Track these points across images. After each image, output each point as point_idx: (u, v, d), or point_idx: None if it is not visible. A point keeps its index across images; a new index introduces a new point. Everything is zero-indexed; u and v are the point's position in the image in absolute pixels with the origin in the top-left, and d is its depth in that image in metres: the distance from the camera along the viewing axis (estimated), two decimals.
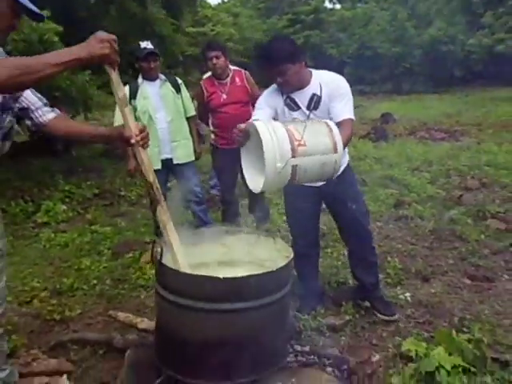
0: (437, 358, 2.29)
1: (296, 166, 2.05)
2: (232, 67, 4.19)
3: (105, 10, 7.68)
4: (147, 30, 7.98)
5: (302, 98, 2.62)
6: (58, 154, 8.71)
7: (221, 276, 1.85)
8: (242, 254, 2.33)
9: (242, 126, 2.19)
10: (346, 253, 3.24)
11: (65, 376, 2.42)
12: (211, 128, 4.32)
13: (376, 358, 2.46)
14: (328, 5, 40.14)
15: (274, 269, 1.94)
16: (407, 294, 3.26)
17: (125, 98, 1.81)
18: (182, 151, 4.07)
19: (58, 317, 3.10)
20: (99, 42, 1.54)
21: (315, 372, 2.21)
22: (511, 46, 25.34)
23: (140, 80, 3.96)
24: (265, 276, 1.91)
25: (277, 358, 2.06)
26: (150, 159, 4.05)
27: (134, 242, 4.47)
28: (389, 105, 18.69)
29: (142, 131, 1.81)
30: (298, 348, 2.36)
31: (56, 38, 5.23)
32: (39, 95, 1.85)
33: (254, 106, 4.10)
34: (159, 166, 3.95)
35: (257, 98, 4.16)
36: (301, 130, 2.08)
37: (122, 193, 6.51)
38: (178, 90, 4.06)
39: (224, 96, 4.08)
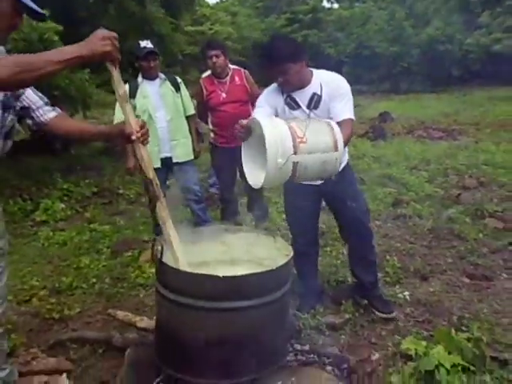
0: (436, 357, 2.29)
1: (297, 162, 2.05)
2: (231, 66, 4.19)
3: (104, 9, 7.68)
4: (146, 29, 7.98)
5: (303, 97, 2.63)
6: (56, 153, 8.69)
7: (221, 275, 1.85)
8: (241, 253, 2.33)
9: (244, 121, 2.20)
10: (346, 251, 3.24)
11: (64, 375, 2.42)
12: (210, 127, 4.32)
13: (376, 356, 2.46)
14: (326, 4, 40.16)
15: (274, 267, 1.94)
16: (406, 293, 3.26)
17: (125, 94, 1.82)
18: (182, 150, 4.07)
19: (57, 315, 3.10)
20: (101, 40, 1.54)
21: (315, 371, 2.21)
22: (509, 46, 25.38)
23: (140, 79, 3.96)
24: (265, 274, 1.91)
25: (277, 357, 2.06)
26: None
27: (133, 241, 4.47)
28: (387, 104, 18.70)
29: (142, 127, 1.82)
30: (298, 347, 2.36)
31: (56, 37, 5.24)
32: (40, 94, 1.84)
33: (253, 105, 4.13)
34: (159, 165, 3.96)
35: (256, 97, 4.17)
36: (303, 128, 2.09)
37: (121, 191, 6.51)
38: (177, 88, 4.06)
39: (223, 95, 4.08)
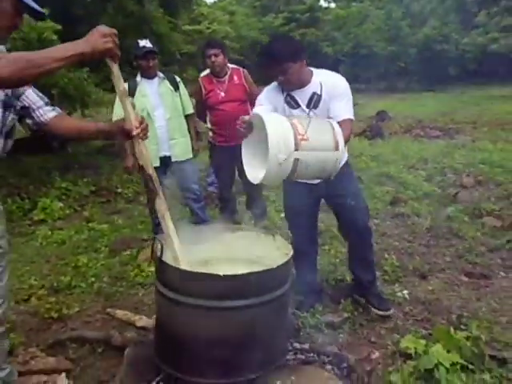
0: (436, 356, 2.30)
1: (298, 159, 2.06)
2: (230, 65, 4.19)
3: (102, 8, 7.67)
4: (144, 28, 7.98)
5: (303, 96, 2.64)
6: (53, 151, 8.68)
7: (221, 273, 1.85)
8: (241, 252, 2.33)
9: (246, 117, 2.21)
10: (345, 250, 3.25)
11: (63, 374, 2.41)
12: (209, 126, 4.32)
13: (375, 355, 2.47)
14: (323, 3, 40.22)
15: (275, 266, 1.94)
16: (405, 292, 3.26)
17: (125, 90, 1.84)
18: (181, 149, 4.07)
19: (56, 315, 3.09)
20: (102, 37, 1.54)
21: (315, 370, 2.22)
22: (505, 45, 25.50)
23: (138, 78, 3.95)
24: (265, 273, 1.91)
25: (276, 356, 2.07)
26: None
27: (132, 240, 4.47)
28: (384, 103, 18.75)
29: (141, 123, 1.83)
30: (298, 346, 2.36)
31: (55, 37, 5.25)
32: (40, 94, 1.84)
33: (251, 105, 4.13)
34: (157, 164, 3.95)
35: (255, 97, 4.18)
36: (305, 125, 2.11)
37: (119, 190, 6.50)
38: (176, 87, 4.06)
39: (222, 94, 4.08)
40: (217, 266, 2.21)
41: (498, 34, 26.33)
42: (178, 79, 4.13)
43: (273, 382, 2.00)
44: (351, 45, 30.55)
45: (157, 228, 4.26)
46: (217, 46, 4.04)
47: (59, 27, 5.29)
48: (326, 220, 4.17)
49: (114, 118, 3.72)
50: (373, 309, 2.99)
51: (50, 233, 4.86)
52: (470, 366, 2.30)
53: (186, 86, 4.25)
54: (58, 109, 1.87)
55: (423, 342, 2.46)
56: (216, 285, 1.85)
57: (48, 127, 1.81)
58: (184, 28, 18.11)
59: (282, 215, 4.64)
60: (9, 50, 1.75)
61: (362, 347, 2.63)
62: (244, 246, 2.33)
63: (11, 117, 1.72)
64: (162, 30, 8.91)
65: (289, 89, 2.65)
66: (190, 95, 4.35)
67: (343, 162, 2.71)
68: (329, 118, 2.49)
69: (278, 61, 2.52)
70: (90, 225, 5.08)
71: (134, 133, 1.80)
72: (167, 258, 1.94)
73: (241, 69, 4.24)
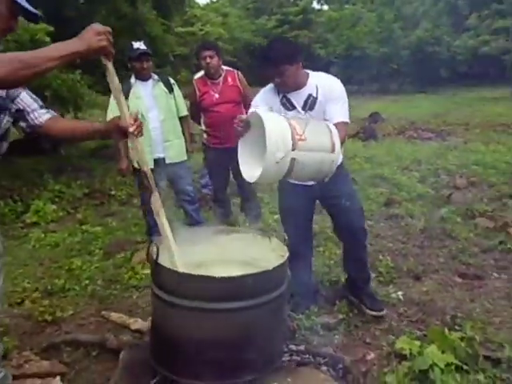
0: (430, 356, 2.30)
1: (294, 159, 2.08)
2: (224, 67, 4.19)
3: (94, 9, 7.65)
4: (137, 30, 7.98)
5: (298, 98, 2.65)
6: (46, 153, 8.62)
7: (217, 275, 1.85)
8: (237, 254, 2.33)
9: (244, 116, 2.23)
10: (339, 251, 3.25)
11: (58, 378, 2.39)
12: (203, 127, 4.31)
13: (371, 356, 2.47)
14: (316, 6, 40.40)
15: (270, 268, 1.95)
16: (399, 293, 3.27)
17: (120, 87, 1.83)
18: (175, 151, 4.06)
19: (50, 318, 3.06)
20: (96, 35, 1.53)
21: (310, 371, 2.22)
22: (496, 48, 25.71)
23: (132, 80, 3.94)
24: (261, 275, 1.92)
25: (272, 358, 2.07)
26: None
27: (126, 242, 4.45)
28: (377, 104, 18.83)
29: (135, 120, 1.83)
30: (293, 347, 2.36)
31: (47, 38, 5.23)
32: (35, 97, 1.83)
33: (245, 107, 4.14)
34: (151, 166, 3.94)
35: (249, 99, 4.20)
36: (302, 126, 2.13)
37: (113, 192, 6.47)
38: (170, 89, 4.06)
39: (216, 95, 4.08)
40: (212, 268, 2.21)
41: (489, 36, 26.56)
42: (172, 81, 4.13)
43: (269, 383, 2.00)
44: (344, 47, 30.65)
45: (151, 230, 4.26)
46: (211, 48, 4.05)
47: (52, 29, 5.26)
48: (321, 222, 4.18)
49: (109, 115, 3.70)
50: (365, 309, 3.00)
51: (43, 235, 4.83)
52: (465, 367, 2.31)
53: (179, 88, 4.25)
54: (52, 111, 1.87)
55: (418, 342, 2.46)
56: (212, 287, 1.86)
57: (42, 129, 1.80)
58: (177, 30, 18.13)
59: (276, 217, 4.64)
60: (3, 51, 1.74)
61: (357, 348, 2.63)
62: (239, 248, 2.34)
63: (6, 119, 1.71)
64: (155, 32, 8.92)
65: (285, 91, 2.67)
66: (184, 97, 4.35)
67: (338, 164, 2.73)
68: (324, 120, 2.51)
69: (274, 63, 2.53)
70: (84, 227, 5.05)
71: (130, 130, 1.80)
72: (163, 261, 1.94)
73: (235, 71, 4.25)
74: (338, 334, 2.77)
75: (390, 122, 13.25)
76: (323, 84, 2.65)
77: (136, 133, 1.84)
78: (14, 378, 2.27)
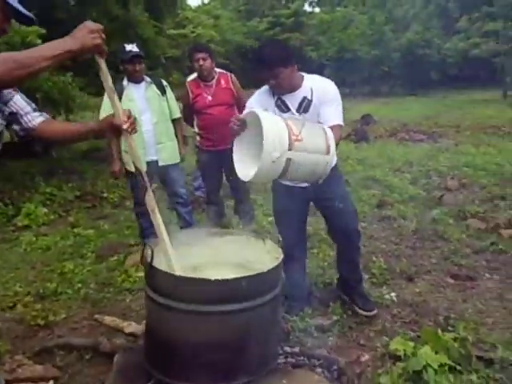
0: (424, 357, 2.31)
1: (290, 159, 2.09)
2: (217, 70, 4.19)
3: (86, 11, 7.62)
4: (129, 33, 7.97)
5: (293, 100, 2.66)
6: (37, 156, 8.57)
7: (212, 278, 1.85)
8: (231, 256, 2.32)
9: (241, 116, 2.26)
10: (333, 253, 3.26)
11: (51, 382, 2.39)
12: (196, 130, 4.31)
13: (365, 357, 2.48)
14: (307, 8, 40.53)
15: (265, 270, 1.95)
16: (393, 294, 3.29)
17: (112, 85, 1.84)
18: (168, 153, 4.06)
19: (42, 322, 3.04)
20: (90, 33, 1.53)
21: (305, 373, 2.22)
22: (486, 50, 25.93)
23: (125, 82, 3.93)
24: (256, 277, 1.92)
25: (267, 360, 2.07)
26: None
27: (118, 245, 4.43)
28: (368, 106, 18.92)
29: (129, 117, 1.83)
30: (288, 349, 2.37)
31: (39, 41, 5.21)
32: (28, 100, 1.82)
33: (239, 109, 4.15)
34: (144, 169, 3.93)
35: (242, 101, 4.20)
36: (299, 127, 2.15)
37: (105, 195, 6.44)
38: (163, 92, 4.06)
39: (209, 98, 4.07)
40: (206, 271, 2.21)
41: (480, 39, 26.78)
42: (164, 83, 4.13)
43: None
44: (335, 49, 30.77)
45: (144, 233, 4.25)
46: (204, 50, 4.05)
47: (43, 31, 5.24)
48: (314, 223, 4.19)
49: (102, 115, 3.69)
50: (357, 308, 3.02)
51: (34, 239, 4.79)
52: (458, 367, 2.33)
53: (172, 90, 4.25)
54: (45, 114, 1.86)
55: (412, 343, 2.47)
56: (207, 290, 1.85)
57: (36, 132, 1.79)
58: (169, 32, 18.10)
59: (270, 219, 4.65)
60: None
61: (351, 350, 2.64)
62: (234, 250, 2.33)
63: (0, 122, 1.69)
64: (147, 34, 8.92)
65: (280, 93, 2.68)
66: (177, 99, 4.35)
67: (332, 165, 2.74)
68: (318, 122, 2.52)
69: (269, 66, 2.55)
70: (76, 230, 5.02)
71: (124, 127, 1.80)
72: (158, 263, 1.93)
73: (228, 73, 4.25)
74: (332, 335, 2.77)
75: (381, 124, 13.33)
76: (318, 87, 2.66)
77: (130, 130, 1.84)
78: (7, 382, 2.26)
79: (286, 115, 2.65)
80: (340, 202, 2.81)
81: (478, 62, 26.61)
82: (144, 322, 2.60)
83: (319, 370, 2.27)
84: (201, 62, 3.97)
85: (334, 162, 2.47)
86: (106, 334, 2.86)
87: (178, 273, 1.94)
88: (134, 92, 3.91)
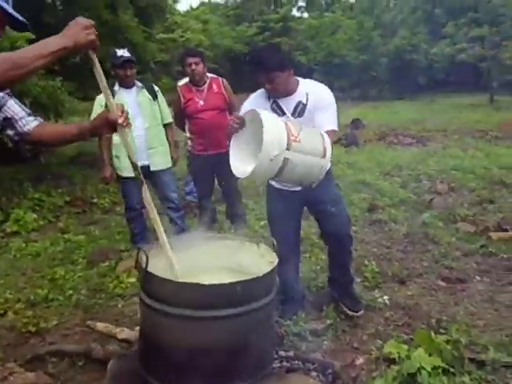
0: (418, 360, 2.33)
1: (287, 159, 2.13)
2: (209, 75, 4.19)
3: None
4: (119, 38, 7.92)
5: (288, 104, 2.69)
6: (25, 161, 8.48)
7: (207, 283, 1.84)
8: (226, 261, 2.32)
9: (240, 114, 2.32)
10: (325, 256, 3.28)
11: None
12: (188, 134, 4.30)
13: (360, 361, 2.49)
14: (296, 13, 40.74)
15: (261, 275, 1.95)
16: (385, 297, 3.30)
17: (105, 81, 1.84)
18: (160, 158, 4.05)
19: (34, 329, 3.01)
20: (84, 29, 1.52)
21: (300, 377, 2.23)
22: (472, 56, 26.25)
23: (116, 87, 3.92)
24: (251, 282, 1.92)
25: (263, 364, 2.06)
26: (127, 167, 4.02)
27: (110, 251, 4.40)
28: (357, 111, 18.99)
29: (123, 112, 1.83)
30: (283, 353, 2.37)
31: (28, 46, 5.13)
32: (22, 105, 1.81)
33: (231, 114, 4.15)
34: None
35: (235, 106, 4.22)
36: (297, 129, 2.20)
37: (95, 200, 6.39)
38: (154, 96, 4.06)
39: (201, 102, 4.07)
40: (201, 276, 2.19)
41: (466, 44, 27.12)
42: (156, 88, 4.13)
43: None
44: (324, 54, 30.91)
45: (136, 238, 4.23)
46: (196, 55, 4.05)
47: (33, 36, 5.19)
48: (306, 227, 4.20)
49: (93, 115, 3.68)
50: (345, 308, 3.06)
51: (24, 245, 4.74)
52: (451, 369, 2.34)
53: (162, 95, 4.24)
54: (39, 118, 1.85)
55: (405, 346, 2.49)
56: (203, 295, 1.85)
57: (30, 137, 1.78)
58: (158, 36, 18.07)
59: (262, 223, 4.66)
60: None
61: (345, 353, 2.65)
62: (228, 255, 2.33)
63: None
64: (136, 40, 8.88)
65: (275, 96, 2.71)
66: (168, 104, 4.34)
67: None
68: (313, 127, 2.54)
69: (266, 70, 2.57)
70: (66, 236, 4.98)
71: (120, 121, 1.80)
72: (153, 268, 1.92)
73: (220, 78, 4.25)
74: (326, 339, 2.78)
75: (370, 128, 13.41)
76: (313, 92, 2.70)
77: (124, 124, 1.85)
78: None
79: (281, 119, 2.67)
80: (332, 206, 2.82)
81: (464, 66, 26.91)
82: (137, 327, 2.59)
83: (314, 373, 2.27)
84: (193, 67, 3.97)
85: (328, 166, 2.49)
86: (99, 340, 2.84)
87: (173, 277, 1.93)
88: (125, 97, 3.90)
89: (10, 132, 1.75)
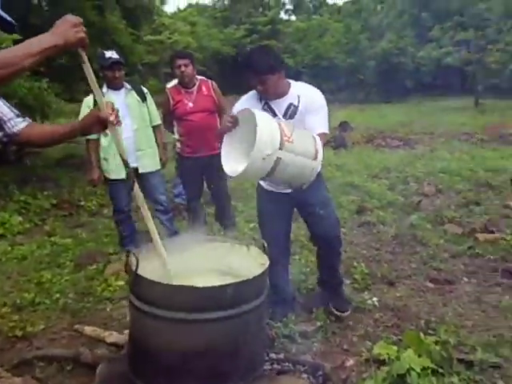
0: (407, 361, 2.34)
1: (280, 159, 2.14)
2: (198, 77, 4.18)
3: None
4: (106, 39, 7.89)
5: (279, 106, 2.70)
6: (10, 164, 8.38)
7: (198, 285, 1.84)
8: (216, 263, 2.31)
9: (234, 112, 2.35)
10: (315, 258, 3.28)
11: None
12: (177, 136, 4.28)
13: (350, 362, 2.49)
14: (284, 16, 40.97)
15: (251, 277, 1.94)
16: (374, 299, 3.31)
17: (95, 79, 1.83)
18: (149, 160, 4.03)
19: (20, 333, 2.96)
20: (73, 27, 1.50)
21: (291, 379, 2.23)
22: (458, 59, 26.59)
23: (104, 89, 3.90)
24: (242, 284, 1.91)
25: (254, 366, 2.06)
26: (115, 169, 3.99)
27: (97, 254, 4.35)
28: (345, 113, 19.09)
29: (113, 109, 1.82)
30: (273, 356, 2.37)
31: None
32: (11, 106, 1.79)
33: (220, 116, 4.15)
34: (123, 176, 3.89)
35: (223, 108, 4.21)
36: (290, 129, 2.22)
37: (82, 203, 6.32)
38: (143, 98, 4.04)
39: (190, 104, 4.06)
40: (192, 278, 2.18)
41: (452, 48, 27.47)
42: (145, 90, 4.11)
43: None
44: (311, 57, 31.09)
45: (124, 241, 4.20)
46: (186, 57, 4.03)
47: (20, 37, 5.13)
48: (296, 229, 4.19)
49: (81, 116, 3.65)
50: (332, 308, 3.07)
51: (9, 248, 4.67)
52: (440, 370, 2.36)
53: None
54: (28, 119, 1.83)
55: (395, 347, 2.50)
56: (193, 297, 1.84)
57: (19, 137, 1.76)
58: (145, 38, 18.02)
59: (252, 225, 4.65)
60: None
61: (335, 355, 2.65)
62: (219, 257, 2.33)
63: None
64: (124, 42, 8.85)
65: (267, 98, 2.71)
66: (156, 106, 4.32)
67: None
68: (304, 129, 2.55)
69: (257, 72, 2.58)
70: (53, 239, 4.91)
71: (111, 119, 1.79)
72: (143, 271, 1.90)
73: (209, 81, 4.24)
74: (316, 341, 2.78)
75: (358, 130, 13.48)
76: (305, 95, 2.70)
77: (115, 122, 1.84)
78: None
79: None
80: (321, 209, 2.83)
81: (450, 70, 27.22)
82: (126, 331, 2.57)
83: (305, 375, 2.27)
84: (182, 69, 3.96)
85: (319, 169, 2.49)
86: (87, 344, 2.80)
87: (166, 275, 1.93)
88: (113, 99, 3.85)
89: None
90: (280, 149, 2.13)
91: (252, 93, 2.77)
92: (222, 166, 2.38)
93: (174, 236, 3.59)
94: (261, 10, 38.63)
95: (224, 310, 1.86)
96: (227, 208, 4.44)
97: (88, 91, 4.21)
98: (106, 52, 3.83)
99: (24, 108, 5.90)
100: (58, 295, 3.56)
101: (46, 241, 4.89)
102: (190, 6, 41.32)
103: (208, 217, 4.74)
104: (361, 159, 8.84)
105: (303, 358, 2.45)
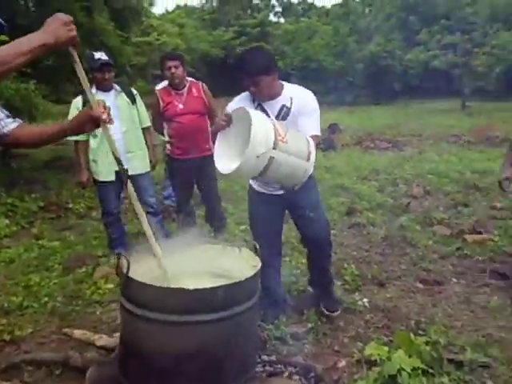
0: (398, 361, 2.35)
1: (273, 158, 2.16)
2: (188, 79, 4.17)
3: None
4: (94, 41, 7.83)
5: (272, 107, 2.70)
6: None
7: (190, 287, 1.83)
8: (208, 265, 2.31)
9: (229, 111, 2.36)
10: (305, 260, 3.29)
11: None
12: (166, 138, 4.26)
13: (342, 364, 2.50)
14: (273, 18, 41.07)
15: (243, 279, 1.94)
16: (365, 300, 3.33)
17: (87, 79, 1.84)
18: (138, 162, 4.01)
19: (8, 337, 2.92)
20: (63, 25, 1.49)
21: (283, 381, 2.23)
22: (445, 62, 26.90)
23: (94, 91, 3.86)
24: (234, 286, 1.91)
25: (246, 368, 2.06)
26: (104, 171, 3.96)
27: (86, 256, 4.30)
28: (334, 115, 19.16)
29: (105, 108, 1.81)
30: (265, 358, 2.36)
31: None
32: (0, 107, 1.77)
33: (210, 118, 4.14)
34: (113, 178, 3.88)
35: (213, 111, 4.20)
36: (284, 130, 2.24)
37: (70, 205, 6.25)
38: (133, 100, 4.02)
39: (180, 106, 4.04)
40: (184, 280, 2.17)
41: (439, 51, 27.83)
42: (134, 92, 4.09)
43: None
44: (300, 59, 31.19)
45: (113, 243, 4.17)
46: (176, 58, 4.01)
47: (7, 38, 5.08)
48: (287, 231, 4.19)
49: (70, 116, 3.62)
50: (322, 308, 3.09)
51: None
52: (430, 370, 2.37)
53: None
54: (18, 119, 1.81)
55: (386, 348, 2.51)
56: (185, 299, 1.83)
57: (10, 138, 1.74)
58: (133, 39, 17.91)
59: (242, 227, 4.65)
60: None
61: (327, 356, 2.66)
62: (210, 259, 2.32)
63: None
64: (112, 43, 8.80)
65: (260, 99, 2.71)
66: (146, 107, 4.30)
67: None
68: (297, 131, 2.56)
69: (251, 73, 2.58)
70: (40, 242, 4.85)
71: (103, 117, 1.78)
72: (134, 274, 1.89)
73: (199, 83, 4.23)
74: (307, 343, 2.78)
75: (347, 132, 13.56)
76: (298, 97, 2.71)
77: (107, 120, 1.84)
78: None
79: None
80: (311, 211, 2.84)
81: (437, 73, 27.52)
82: (116, 334, 2.55)
83: (296, 377, 2.27)
84: (172, 70, 3.94)
85: (311, 170, 2.50)
86: (77, 347, 2.77)
87: (162, 273, 1.92)
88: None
89: None
90: (274, 148, 2.14)
91: (245, 94, 2.77)
92: (212, 167, 2.39)
93: (165, 238, 3.56)
94: (249, 12, 38.71)
95: (216, 312, 1.86)
96: (217, 210, 4.42)
97: (76, 92, 4.19)
98: (95, 53, 3.81)
99: (11, 110, 5.76)
100: (46, 298, 3.52)
101: (34, 244, 4.83)
102: (178, 7, 41.21)
103: (198, 218, 4.73)
104: (350, 161, 8.89)
105: (295, 359, 2.45)
